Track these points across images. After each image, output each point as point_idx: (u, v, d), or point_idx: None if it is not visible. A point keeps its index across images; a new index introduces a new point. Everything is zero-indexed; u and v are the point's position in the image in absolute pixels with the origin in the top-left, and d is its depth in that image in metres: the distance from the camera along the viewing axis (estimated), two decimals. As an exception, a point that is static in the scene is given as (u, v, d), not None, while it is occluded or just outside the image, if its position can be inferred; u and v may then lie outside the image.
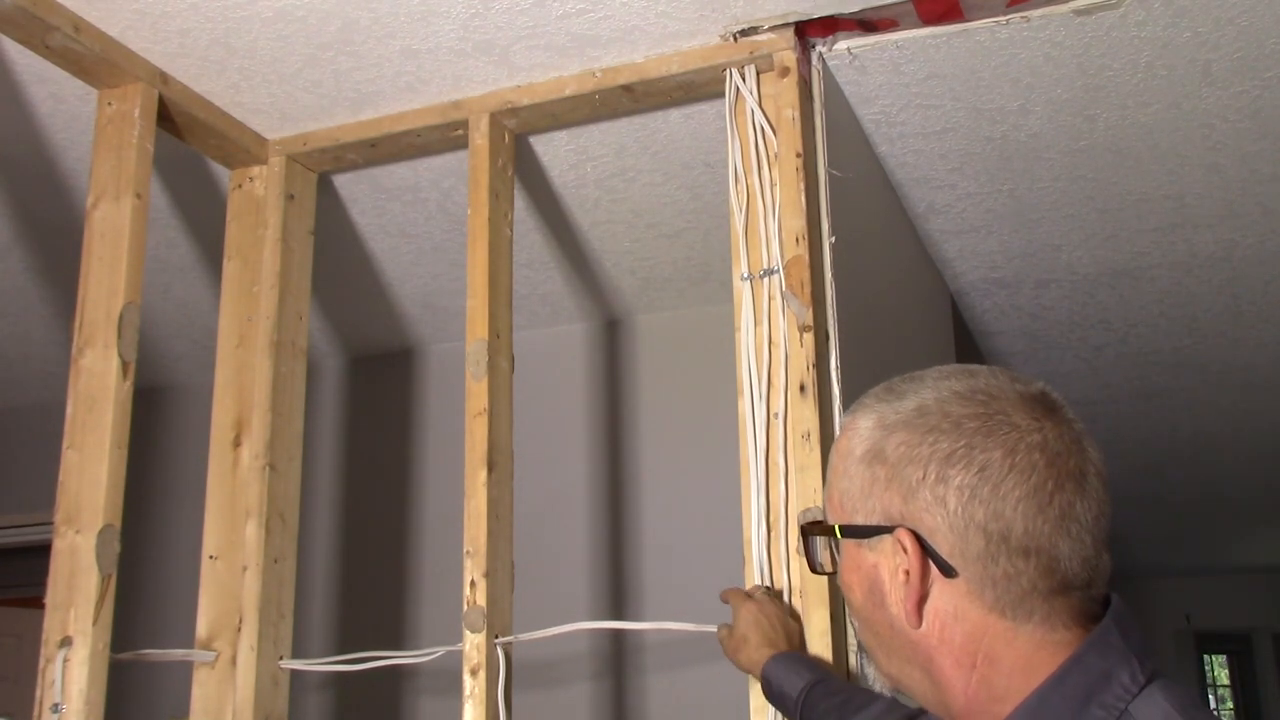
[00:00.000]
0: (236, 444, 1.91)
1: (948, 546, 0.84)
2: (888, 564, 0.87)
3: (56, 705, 1.52)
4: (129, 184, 1.68)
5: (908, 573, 0.85)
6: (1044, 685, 0.82)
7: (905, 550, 0.85)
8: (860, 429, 0.92)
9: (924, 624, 0.85)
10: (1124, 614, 0.85)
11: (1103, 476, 0.88)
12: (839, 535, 0.91)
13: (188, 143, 1.91)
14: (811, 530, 0.96)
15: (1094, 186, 2.22)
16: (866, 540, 0.89)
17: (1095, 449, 0.89)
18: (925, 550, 0.85)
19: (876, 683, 0.94)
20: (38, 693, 1.54)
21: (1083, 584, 0.85)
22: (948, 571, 0.84)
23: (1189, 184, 2.21)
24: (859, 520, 0.89)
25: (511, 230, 1.88)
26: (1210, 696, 10.59)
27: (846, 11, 1.66)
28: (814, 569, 0.96)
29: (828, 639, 1.48)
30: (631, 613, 2.61)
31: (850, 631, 1.53)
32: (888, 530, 0.87)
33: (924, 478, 0.86)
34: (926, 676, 0.87)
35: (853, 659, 1.52)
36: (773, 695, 1.38)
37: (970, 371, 0.91)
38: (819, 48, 1.74)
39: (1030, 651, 0.84)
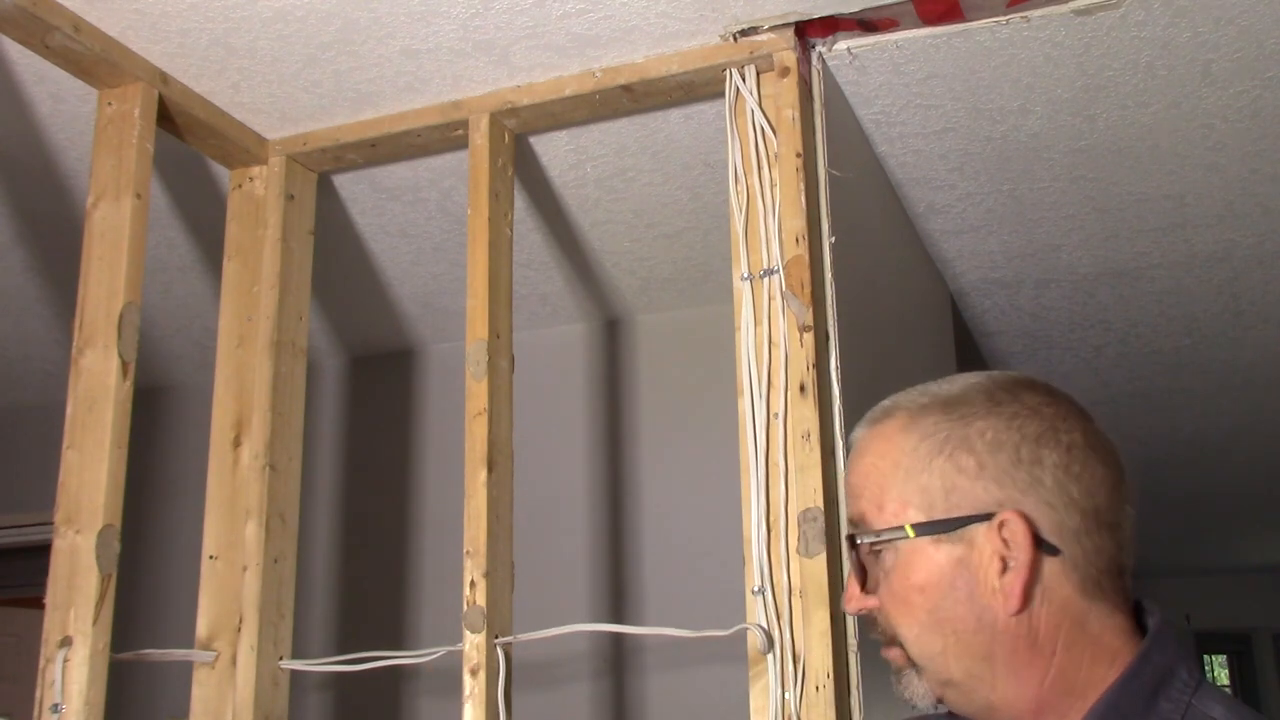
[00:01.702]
0: (236, 444, 1.91)
1: (1048, 525, 0.87)
2: (980, 554, 0.87)
3: (56, 705, 1.52)
4: (129, 184, 1.68)
5: (1004, 558, 0.86)
6: (1124, 675, 0.86)
7: (1005, 537, 0.86)
8: (922, 425, 0.91)
9: (1024, 609, 0.86)
10: (1168, 617, 0.90)
11: None
12: (913, 534, 0.88)
13: (188, 143, 1.91)
14: (865, 538, 0.91)
15: (1094, 186, 2.22)
16: (951, 535, 0.87)
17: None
18: (1033, 531, 0.87)
19: (916, 696, 0.91)
20: (38, 693, 1.54)
21: (1129, 566, 0.90)
22: (1052, 550, 0.87)
23: (1189, 184, 2.21)
24: (940, 516, 0.88)
25: (511, 230, 1.88)
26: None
27: (846, 11, 1.66)
28: (863, 585, 0.93)
29: (828, 639, 1.48)
30: (631, 612, 2.61)
31: (850, 631, 1.53)
32: (982, 519, 0.87)
33: (1018, 460, 0.88)
34: (1002, 671, 0.87)
35: (853, 660, 1.52)
36: None
37: (1000, 372, 0.97)
38: (819, 48, 1.74)
39: (1099, 634, 0.87)
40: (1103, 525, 0.88)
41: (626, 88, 1.77)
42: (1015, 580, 0.85)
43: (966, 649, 0.88)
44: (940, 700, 0.91)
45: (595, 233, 2.32)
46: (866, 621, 0.96)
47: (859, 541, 0.92)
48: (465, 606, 1.66)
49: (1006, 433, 0.89)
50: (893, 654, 0.92)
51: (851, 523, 0.95)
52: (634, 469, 2.71)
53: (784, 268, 1.62)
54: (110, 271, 1.66)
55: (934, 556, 0.88)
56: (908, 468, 0.90)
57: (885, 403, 0.96)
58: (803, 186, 1.64)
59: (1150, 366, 3.37)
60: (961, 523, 0.88)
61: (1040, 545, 0.86)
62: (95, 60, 1.67)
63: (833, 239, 1.70)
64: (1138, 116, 1.95)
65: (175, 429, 3.11)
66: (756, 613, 1.52)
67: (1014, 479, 0.87)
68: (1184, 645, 0.89)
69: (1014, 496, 0.87)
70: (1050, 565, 0.87)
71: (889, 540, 0.90)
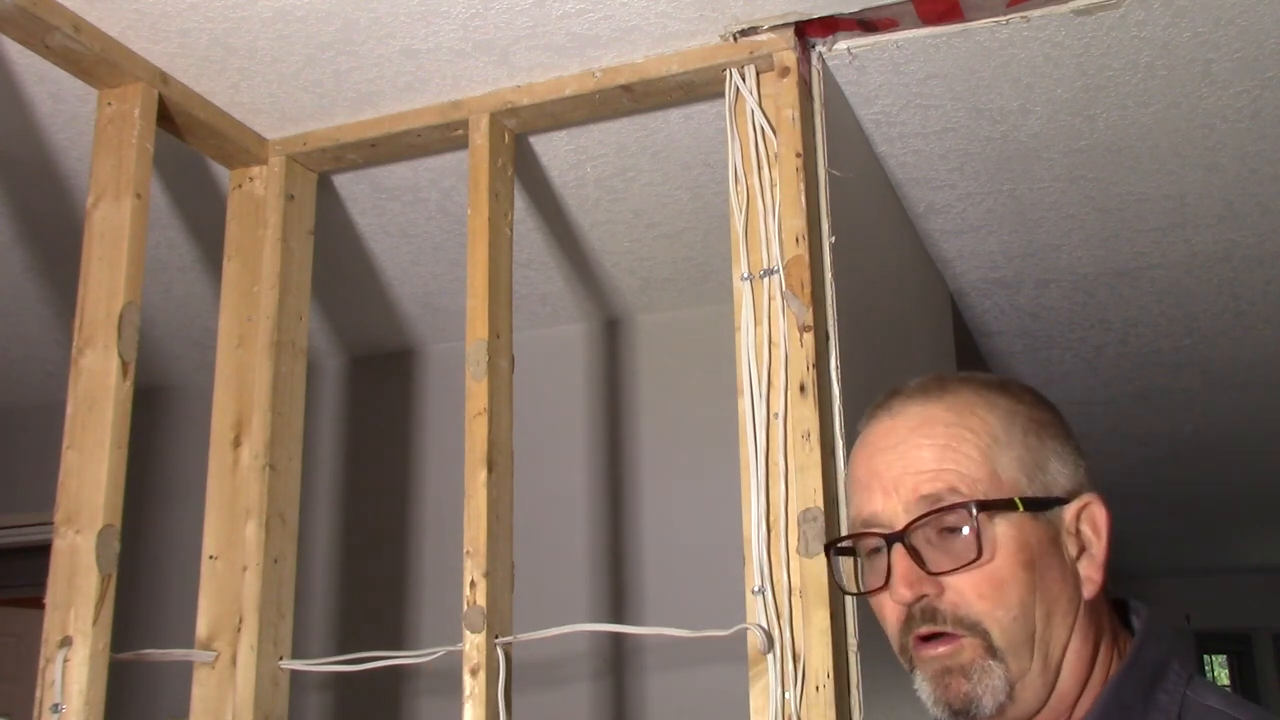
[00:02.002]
0: (236, 444, 1.91)
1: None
2: (1065, 534, 0.88)
3: (56, 705, 1.52)
4: (129, 184, 1.68)
5: (1081, 537, 0.88)
6: (1123, 669, 0.87)
7: (1086, 520, 0.88)
8: (998, 403, 0.90)
9: (1098, 594, 0.89)
10: (1154, 611, 0.93)
11: None
12: (1021, 508, 0.85)
13: (188, 143, 1.91)
14: (987, 508, 0.85)
15: (1094, 186, 2.22)
16: (1045, 513, 0.87)
17: None
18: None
19: (985, 690, 0.84)
20: (38, 693, 1.54)
21: None
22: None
23: (1189, 184, 2.21)
24: (1034, 493, 0.87)
25: (511, 230, 1.88)
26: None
27: (846, 11, 1.66)
28: (979, 554, 0.85)
29: (828, 639, 1.48)
30: (631, 612, 2.61)
31: (850, 631, 1.53)
32: (1067, 500, 0.89)
33: (1079, 451, 0.92)
34: (1073, 659, 0.87)
35: (853, 660, 1.52)
36: None
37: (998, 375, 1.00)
38: (819, 48, 1.74)
39: (1107, 630, 0.90)
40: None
41: (626, 88, 1.77)
42: (1095, 564, 0.88)
43: (1058, 633, 0.86)
44: (1008, 700, 0.85)
45: (595, 233, 2.32)
46: (924, 612, 0.86)
47: (969, 511, 0.84)
48: (465, 606, 1.65)
49: (1059, 425, 0.92)
50: (963, 645, 0.85)
51: (928, 498, 0.87)
52: (634, 469, 2.71)
53: (784, 268, 1.62)
54: (110, 271, 1.66)
55: (1034, 533, 0.86)
56: (1004, 442, 0.88)
57: (923, 380, 0.93)
58: (803, 186, 1.64)
59: (1150, 366, 3.37)
60: (1056, 502, 0.88)
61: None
62: (95, 60, 1.67)
63: (833, 239, 1.70)
64: (1138, 116, 1.95)
65: (175, 429, 3.11)
66: (756, 613, 1.52)
67: (1079, 469, 0.90)
68: (1175, 640, 0.91)
69: (1084, 483, 0.90)
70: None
71: (997, 511, 0.85)
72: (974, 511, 0.85)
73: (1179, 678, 0.87)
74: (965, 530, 0.85)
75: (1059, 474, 0.89)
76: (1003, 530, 0.85)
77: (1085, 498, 0.88)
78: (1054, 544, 0.87)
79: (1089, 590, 0.87)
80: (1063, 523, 0.88)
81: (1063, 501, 0.88)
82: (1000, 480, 0.86)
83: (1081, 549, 0.87)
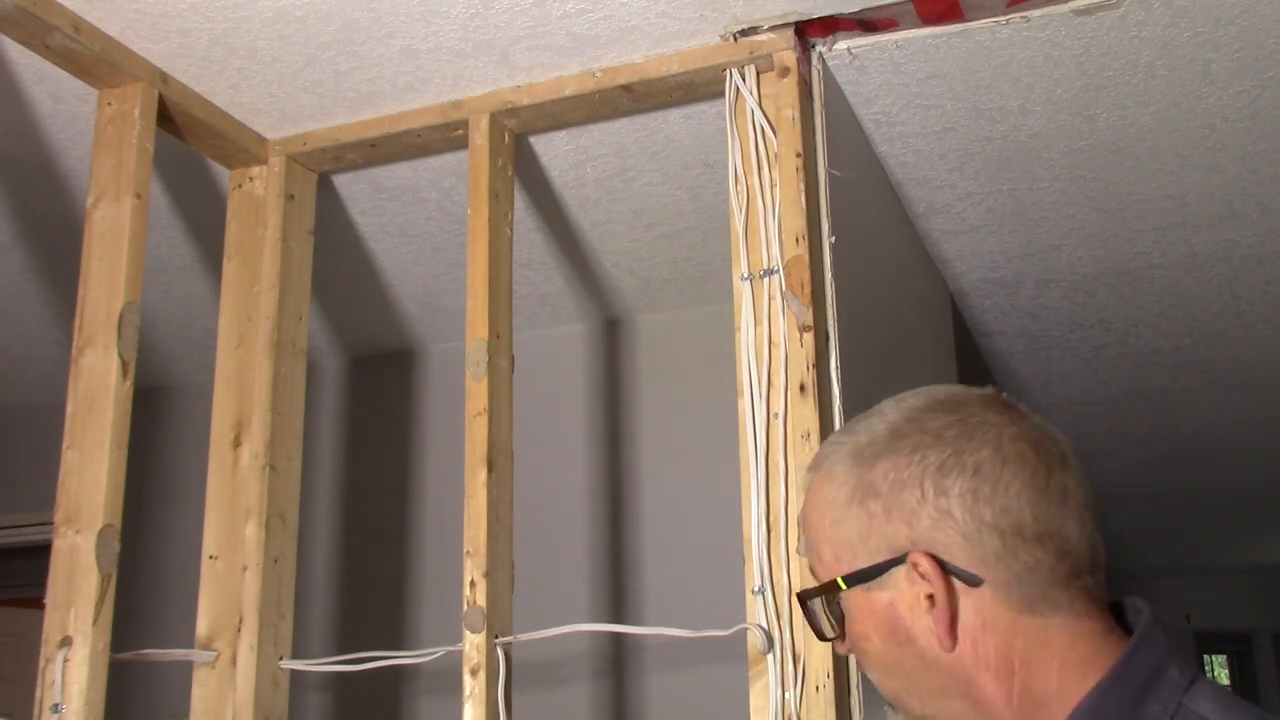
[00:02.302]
0: (236, 444, 1.91)
1: (965, 556, 0.84)
2: (905, 597, 0.85)
3: (56, 705, 1.52)
4: (129, 184, 1.68)
5: (931, 597, 0.84)
6: (1103, 681, 0.82)
7: (922, 575, 0.84)
8: (837, 475, 0.91)
9: (958, 646, 0.84)
10: (1158, 614, 0.86)
11: (1079, 458, 0.90)
12: (845, 587, 0.88)
13: (188, 143, 1.91)
14: (812, 595, 0.92)
15: (1094, 186, 2.22)
16: (877, 581, 0.86)
17: (1062, 435, 0.90)
18: (945, 567, 0.84)
19: None
20: (38, 693, 1.54)
21: (1090, 565, 0.86)
22: (972, 580, 0.84)
23: (1189, 184, 2.21)
24: (862, 564, 0.87)
25: (511, 230, 1.88)
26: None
27: (846, 11, 1.66)
28: (822, 636, 0.93)
29: (828, 647, 1.47)
30: (631, 612, 2.61)
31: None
32: (899, 561, 0.85)
33: (923, 496, 0.86)
34: (966, 701, 0.85)
35: (852, 660, 1.52)
36: None
37: (923, 390, 0.93)
38: (819, 48, 1.74)
39: (1067, 646, 0.84)
40: (1031, 539, 0.84)
41: (626, 88, 1.77)
42: (939, 620, 0.84)
43: (923, 688, 0.87)
44: None
45: (595, 233, 2.32)
46: None
47: (806, 601, 0.92)
48: (465, 606, 1.66)
49: (908, 469, 0.87)
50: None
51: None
52: (634, 469, 2.71)
53: (784, 268, 1.62)
54: (110, 271, 1.66)
55: (869, 604, 0.87)
56: (832, 519, 0.90)
57: (819, 450, 0.96)
58: (803, 186, 1.64)
59: (1150, 366, 3.37)
60: (882, 568, 0.86)
61: (961, 577, 0.84)
62: (95, 60, 1.67)
63: (833, 239, 1.70)
64: (1138, 116, 1.95)
65: (175, 429, 3.11)
66: (756, 613, 1.52)
67: (921, 516, 0.85)
68: (1176, 642, 0.85)
69: (926, 534, 0.85)
70: (980, 594, 0.84)
71: (828, 594, 0.90)
72: (811, 599, 0.92)
73: (1177, 685, 0.82)
74: (817, 611, 0.92)
75: (884, 537, 0.86)
76: (848, 606, 0.89)
77: (913, 556, 0.85)
78: (893, 608, 0.86)
79: (944, 644, 0.84)
80: (900, 585, 0.86)
81: (896, 563, 0.86)
82: (832, 561, 0.90)
83: (933, 603, 0.85)
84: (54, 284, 2.51)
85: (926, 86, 1.85)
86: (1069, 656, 0.84)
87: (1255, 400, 3.73)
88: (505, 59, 1.76)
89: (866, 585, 0.87)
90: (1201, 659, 10.42)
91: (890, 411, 0.91)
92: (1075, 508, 0.86)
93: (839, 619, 0.91)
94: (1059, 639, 0.84)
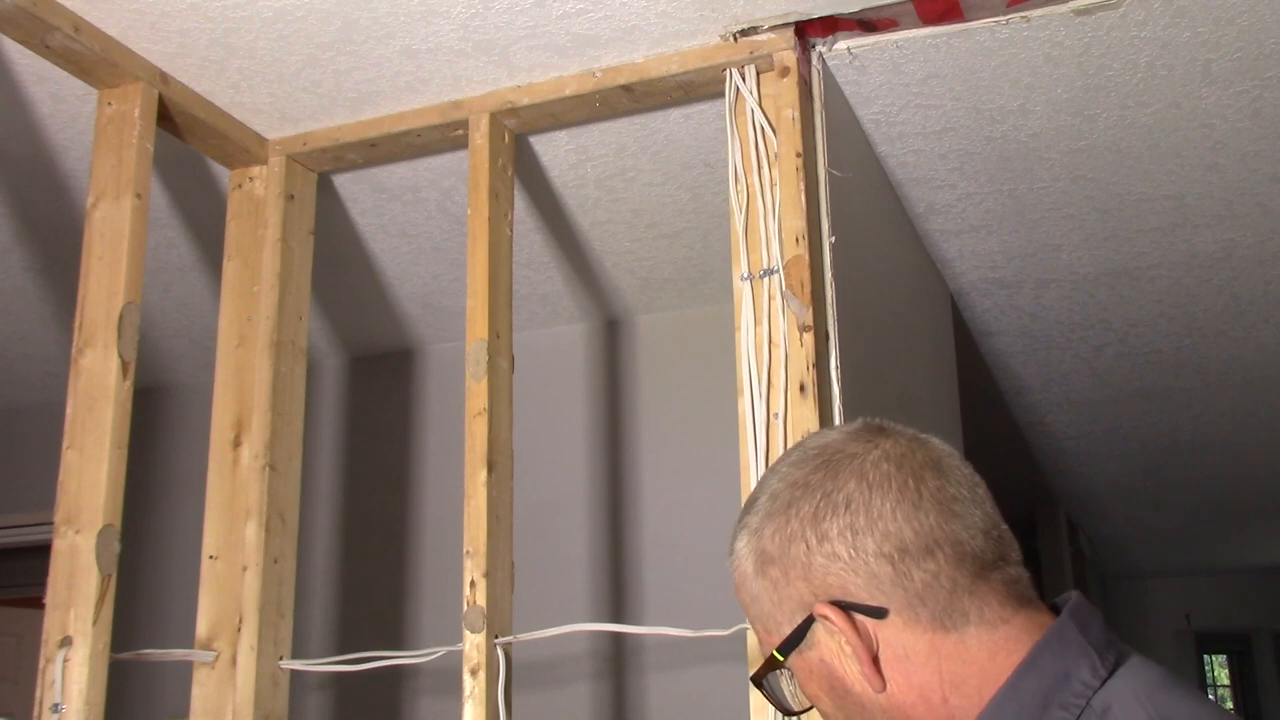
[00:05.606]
0: (236, 444, 1.91)
1: (863, 592, 0.84)
2: (830, 649, 0.85)
3: (56, 705, 1.52)
4: (129, 184, 1.68)
5: (848, 642, 0.84)
6: (998, 695, 0.80)
7: (833, 621, 0.83)
8: (740, 553, 0.91)
9: (887, 683, 0.83)
10: (1081, 608, 0.85)
11: (957, 457, 0.89)
12: (782, 657, 0.88)
13: (188, 143, 1.91)
14: (762, 676, 0.91)
15: (1094, 186, 2.22)
16: (805, 643, 0.86)
17: (938, 442, 0.90)
18: (847, 609, 0.84)
19: None
20: (38, 693, 1.54)
21: (995, 558, 0.85)
22: (877, 614, 0.83)
23: (1189, 184, 2.21)
24: (786, 630, 0.87)
25: (511, 230, 1.88)
26: (1210, 697, 10.57)
27: (846, 11, 1.66)
28: (789, 712, 0.93)
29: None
30: (631, 612, 2.61)
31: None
32: (810, 620, 0.85)
33: (808, 547, 0.86)
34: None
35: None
36: None
37: (795, 446, 0.94)
38: (819, 48, 1.74)
39: (987, 659, 0.82)
40: (919, 554, 0.82)
41: (626, 88, 1.77)
42: (863, 661, 0.83)
43: None
44: None
45: (595, 233, 2.32)
46: None
47: (760, 683, 0.92)
48: (465, 606, 1.66)
49: (789, 525, 0.87)
50: None
51: None
52: (634, 469, 2.71)
53: (784, 268, 1.62)
54: (110, 271, 1.66)
55: (806, 667, 0.87)
56: (750, 597, 0.90)
57: (748, 503, 0.96)
58: (803, 186, 1.64)
59: (1150, 366, 3.37)
60: (803, 630, 0.86)
61: (865, 612, 0.83)
62: (95, 60, 1.67)
63: (833, 239, 1.70)
64: (1138, 116, 1.95)
65: (175, 429, 3.11)
66: (756, 613, 1.52)
67: (813, 567, 0.85)
68: (1091, 639, 0.81)
69: (823, 583, 0.85)
70: (891, 625, 0.83)
71: (775, 670, 0.89)
72: (764, 679, 0.91)
73: (1084, 685, 0.79)
74: (774, 688, 0.92)
75: (792, 599, 0.87)
76: (796, 673, 0.89)
77: (816, 609, 0.84)
78: (825, 664, 0.86)
79: (874, 685, 0.83)
80: (821, 640, 0.86)
81: (810, 621, 0.86)
82: (765, 636, 0.90)
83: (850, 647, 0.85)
84: (54, 284, 2.51)
85: (926, 86, 1.85)
86: (989, 670, 0.82)
87: (1255, 400, 3.74)
88: (505, 59, 1.76)
89: (799, 650, 0.87)
90: (1201, 659, 10.42)
91: (770, 479, 0.92)
92: (956, 506, 0.85)
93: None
94: (978, 652, 0.82)
